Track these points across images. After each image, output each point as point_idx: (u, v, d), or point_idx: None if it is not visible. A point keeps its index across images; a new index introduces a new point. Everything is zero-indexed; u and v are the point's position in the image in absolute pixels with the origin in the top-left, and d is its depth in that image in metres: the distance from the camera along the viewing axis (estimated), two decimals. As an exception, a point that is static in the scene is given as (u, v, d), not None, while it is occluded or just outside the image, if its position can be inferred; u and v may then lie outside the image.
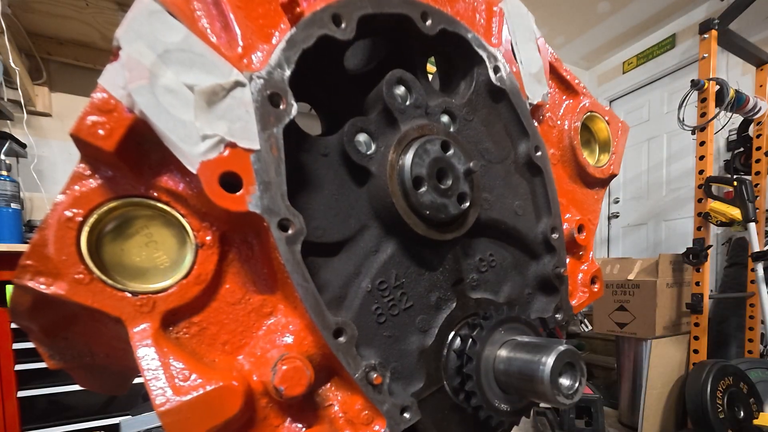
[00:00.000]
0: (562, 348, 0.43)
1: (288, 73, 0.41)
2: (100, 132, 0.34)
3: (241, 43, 0.41)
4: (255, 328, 0.45)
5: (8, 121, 2.31)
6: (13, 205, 2.01)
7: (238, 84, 0.38)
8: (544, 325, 0.61)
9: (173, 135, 0.35)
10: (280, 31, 0.44)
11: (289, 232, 0.41)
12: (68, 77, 2.54)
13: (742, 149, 2.78)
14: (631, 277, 2.69)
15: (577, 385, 0.44)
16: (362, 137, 0.49)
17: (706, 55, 2.38)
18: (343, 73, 0.53)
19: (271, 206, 0.40)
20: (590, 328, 2.90)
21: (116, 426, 1.69)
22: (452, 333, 0.54)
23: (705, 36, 2.39)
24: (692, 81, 2.39)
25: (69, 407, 1.99)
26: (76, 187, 0.37)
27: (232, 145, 0.38)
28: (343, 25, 0.44)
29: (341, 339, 0.44)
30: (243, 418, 0.40)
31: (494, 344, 0.51)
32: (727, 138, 3.03)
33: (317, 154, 0.48)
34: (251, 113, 0.39)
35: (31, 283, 0.35)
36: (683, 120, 2.41)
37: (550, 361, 0.42)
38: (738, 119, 2.73)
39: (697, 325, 2.44)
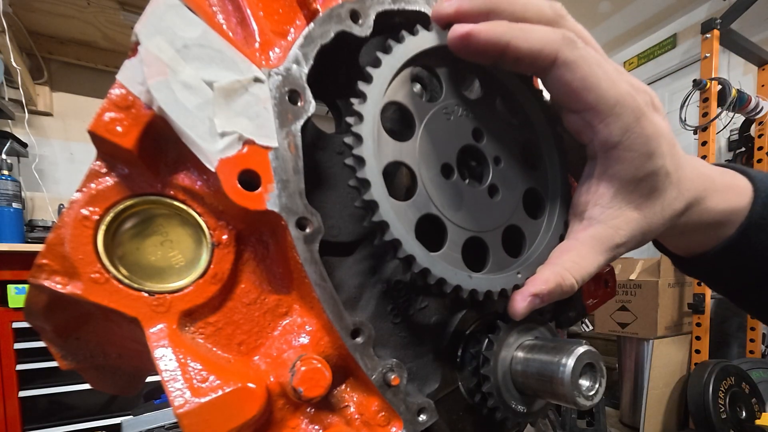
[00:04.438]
0: (582, 349, 0.43)
1: (306, 69, 0.40)
2: (118, 129, 0.34)
3: (258, 39, 0.40)
4: (270, 328, 0.44)
5: (9, 121, 2.30)
6: (14, 205, 2.00)
7: (256, 80, 0.38)
8: (558, 325, 0.60)
9: (192, 132, 0.35)
10: (295, 28, 0.43)
11: (307, 230, 0.40)
12: (69, 76, 2.53)
13: (743, 149, 2.79)
14: (632, 277, 2.69)
15: (597, 386, 0.43)
16: (378, 135, 0.48)
17: (708, 54, 2.39)
18: (358, 70, 0.53)
19: (289, 205, 0.39)
20: (591, 328, 2.90)
21: (118, 426, 1.68)
22: (467, 333, 0.53)
23: (707, 36, 2.39)
24: (695, 81, 2.39)
25: (70, 407, 1.99)
26: (93, 185, 0.36)
27: (250, 143, 0.37)
28: (360, 21, 0.43)
29: (359, 339, 0.43)
30: (261, 419, 0.39)
31: (511, 345, 0.50)
32: (729, 138, 3.03)
33: (332, 152, 0.47)
34: (269, 110, 0.39)
35: (47, 283, 0.34)
36: (685, 120, 2.42)
37: (570, 362, 0.42)
38: (739, 119, 2.73)
39: (698, 325, 2.44)
